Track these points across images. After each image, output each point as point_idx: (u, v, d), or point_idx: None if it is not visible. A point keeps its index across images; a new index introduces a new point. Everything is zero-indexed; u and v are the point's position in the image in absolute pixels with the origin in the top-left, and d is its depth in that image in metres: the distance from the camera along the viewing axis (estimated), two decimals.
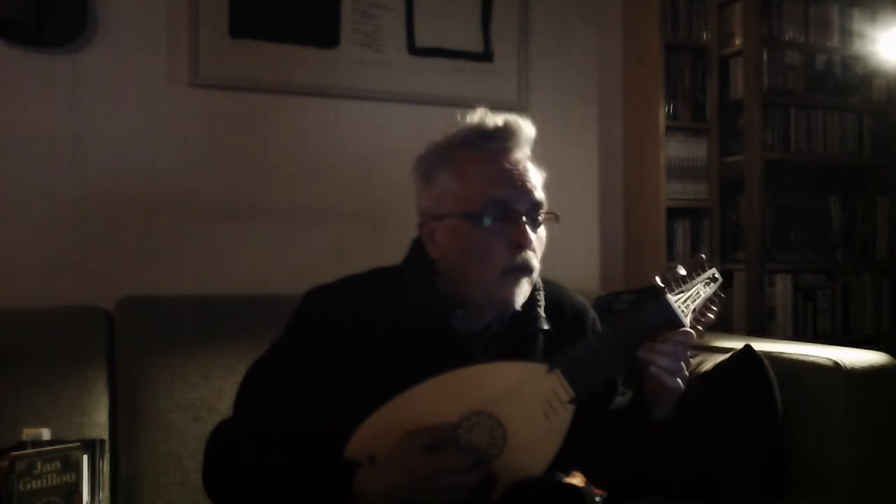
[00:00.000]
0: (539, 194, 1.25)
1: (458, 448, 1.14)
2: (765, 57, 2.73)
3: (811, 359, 1.73)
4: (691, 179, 2.73)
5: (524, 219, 1.22)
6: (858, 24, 2.93)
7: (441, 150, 1.28)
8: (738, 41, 2.77)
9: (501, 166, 1.24)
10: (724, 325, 2.69)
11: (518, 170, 1.24)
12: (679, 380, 1.19)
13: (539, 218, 1.25)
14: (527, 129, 1.27)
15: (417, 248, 1.32)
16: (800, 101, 2.82)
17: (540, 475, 1.16)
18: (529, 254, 1.23)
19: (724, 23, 2.81)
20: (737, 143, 2.77)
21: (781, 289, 2.77)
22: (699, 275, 1.25)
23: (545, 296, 1.33)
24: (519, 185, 1.23)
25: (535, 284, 1.32)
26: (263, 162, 2.27)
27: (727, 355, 1.76)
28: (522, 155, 1.27)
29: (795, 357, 1.76)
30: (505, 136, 1.25)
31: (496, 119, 1.26)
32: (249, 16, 2.24)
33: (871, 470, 1.67)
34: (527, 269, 1.23)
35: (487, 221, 1.21)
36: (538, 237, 1.25)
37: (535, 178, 1.26)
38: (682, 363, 1.18)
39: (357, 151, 2.37)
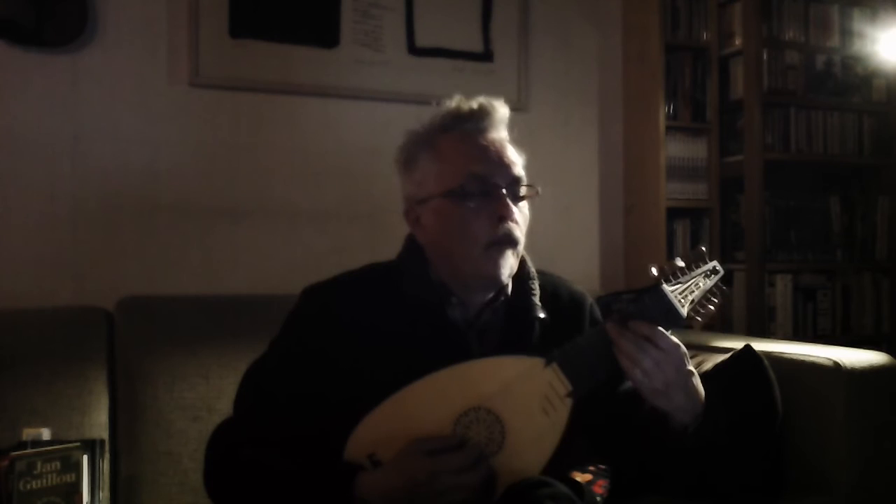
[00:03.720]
0: (518, 170, 1.27)
1: (459, 447, 1.14)
2: (765, 57, 2.73)
3: (811, 359, 1.73)
4: (691, 179, 2.73)
5: (504, 192, 1.23)
6: (858, 24, 2.93)
7: (419, 136, 1.31)
8: (738, 41, 2.77)
9: (478, 144, 1.26)
10: (724, 325, 2.69)
11: (495, 147, 1.27)
12: (647, 381, 1.15)
13: (520, 193, 1.27)
14: (501, 109, 1.30)
15: (410, 241, 1.34)
16: (800, 101, 2.82)
17: (539, 475, 1.16)
18: (512, 225, 1.24)
19: (724, 23, 2.81)
20: (737, 143, 2.77)
21: (781, 289, 2.77)
22: (699, 267, 1.24)
23: (541, 286, 1.33)
24: (497, 160, 1.26)
25: (529, 274, 1.33)
26: (263, 162, 2.27)
27: (727, 355, 1.76)
28: (499, 134, 1.29)
29: (795, 357, 1.76)
30: (480, 117, 1.28)
31: (471, 102, 1.29)
32: (249, 16, 2.24)
33: (871, 470, 1.67)
34: (510, 241, 1.24)
35: (469, 199, 1.22)
36: (521, 212, 1.26)
37: (514, 156, 1.28)
38: (652, 364, 1.14)
39: (357, 151, 2.37)
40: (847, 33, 2.92)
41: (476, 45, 2.52)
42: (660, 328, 1.17)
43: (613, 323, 1.18)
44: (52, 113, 2.06)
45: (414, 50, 2.43)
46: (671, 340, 1.17)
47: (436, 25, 2.46)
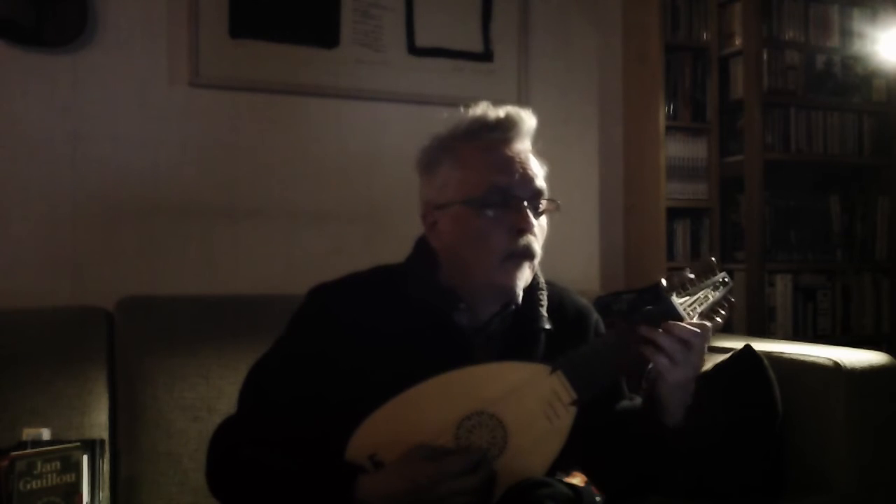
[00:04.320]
0: (540, 183, 1.27)
1: (460, 451, 1.14)
2: (765, 57, 2.73)
3: (811, 359, 1.73)
4: (691, 179, 2.73)
5: (525, 205, 1.23)
6: (858, 24, 2.93)
7: (444, 141, 1.30)
8: (738, 41, 2.77)
9: (502, 154, 1.26)
10: (725, 326, 2.68)
11: (519, 158, 1.26)
12: (678, 370, 1.16)
13: (540, 206, 1.27)
14: (528, 120, 1.29)
15: (421, 244, 1.33)
16: (800, 101, 2.82)
17: (539, 476, 1.16)
18: (530, 238, 1.24)
19: (724, 23, 2.81)
20: (737, 143, 2.77)
21: (781, 289, 2.77)
22: (708, 278, 1.24)
23: (548, 296, 1.34)
24: (520, 172, 1.25)
25: (538, 285, 1.33)
26: (263, 162, 2.27)
27: (727, 355, 1.76)
28: (523, 146, 1.29)
29: (795, 357, 1.76)
30: (506, 127, 1.27)
31: (498, 111, 1.29)
32: (249, 16, 2.24)
33: (871, 470, 1.67)
34: (528, 254, 1.24)
35: (489, 209, 1.22)
36: (539, 225, 1.26)
37: (536, 168, 1.28)
38: (687, 351, 1.15)
39: (357, 151, 2.37)
40: (847, 33, 2.92)
41: (476, 45, 2.52)
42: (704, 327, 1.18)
43: (646, 324, 1.18)
44: (52, 113, 2.06)
45: (414, 50, 2.43)
46: (707, 332, 1.18)
47: (436, 25, 2.46)
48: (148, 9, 2.15)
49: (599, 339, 1.26)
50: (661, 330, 1.16)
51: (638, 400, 1.35)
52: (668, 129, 2.67)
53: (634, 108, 2.75)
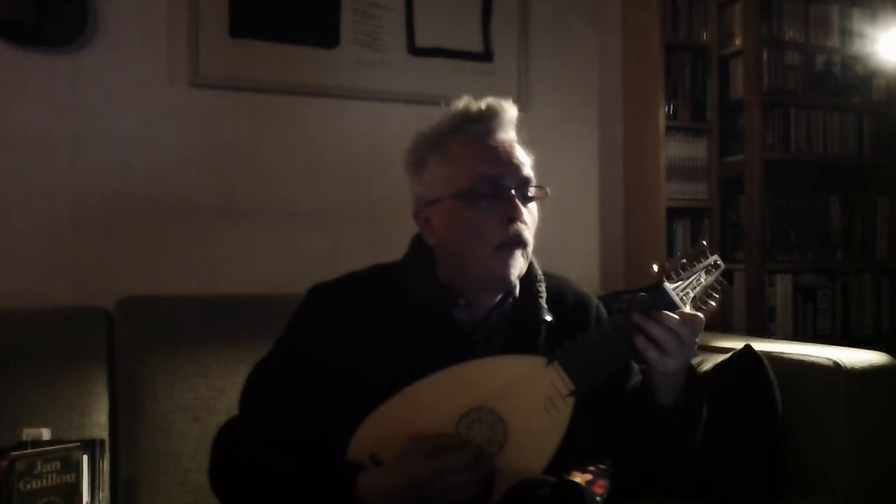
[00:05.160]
0: (527, 171, 1.28)
1: (459, 446, 1.14)
2: (765, 57, 2.73)
3: (811, 359, 1.73)
4: (691, 179, 2.73)
5: (513, 193, 1.24)
6: (858, 24, 2.93)
7: (429, 137, 1.31)
8: (738, 41, 2.77)
9: (488, 145, 1.27)
10: (724, 325, 2.69)
11: (504, 147, 1.27)
12: (670, 361, 1.15)
13: (529, 193, 1.27)
14: (510, 110, 1.30)
15: (417, 242, 1.34)
16: (800, 101, 2.82)
17: (541, 474, 1.16)
18: (521, 226, 1.24)
19: (724, 23, 2.81)
20: (737, 143, 2.77)
21: (781, 289, 2.77)
22: (700, 262, 1.24)
23: (547, 287, 1.34)
24: (506, 161, 1.26)
25: (536, 276, 1.33)
26: (263, 162, 2.27)
27: (727, 355, 1.76)
28: (507, 135, 1.30)
29: (795, 357, 1.76)
30: (489, 118, 1.28)
31: (479, 103, 1.30)
32: (249, 16, 2.24)
33: (870, 470, 1.67)
34: (520, 242, 1.24)
35: (479, 201, 1.23)
36: (530, 213, 1.27)
37: (523, 157, 1.29)
38: (679, 343, 1.14)
39: (357, 151, 2.37)
40: (847, 33, 2.92)
41: (476, 45, 2.52)
42: (698, 315, 1.17)
43: (638, 312, 1.17)
44: (52, 113, 2.06)
45: (414, 50, 2.43)
46: (699, 323, 1.17)
47: (436, 25, 2.46)
48: (148, 9, 2.15)
49: (595, 329, 1.26)
50: (653, 320, 1.15)
51: (639, 378, 1.35)
52: (668, 129, 2.67)
53: (634, 108, 2.75)
